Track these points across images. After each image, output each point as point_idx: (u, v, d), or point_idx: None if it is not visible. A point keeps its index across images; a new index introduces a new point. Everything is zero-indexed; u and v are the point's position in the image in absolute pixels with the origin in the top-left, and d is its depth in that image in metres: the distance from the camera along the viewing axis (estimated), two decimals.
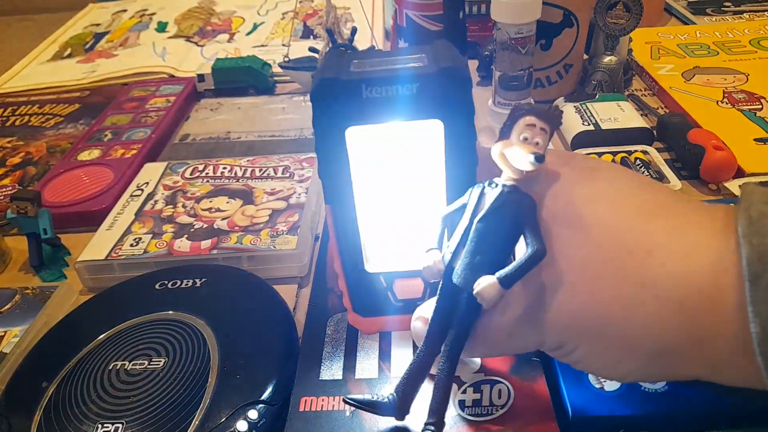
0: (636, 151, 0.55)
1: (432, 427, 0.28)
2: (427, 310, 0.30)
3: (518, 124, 0.25)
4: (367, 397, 0.31)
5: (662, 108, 0.66)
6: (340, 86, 0.29)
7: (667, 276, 0.23)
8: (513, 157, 0.25)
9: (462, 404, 0.31)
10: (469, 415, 0.31)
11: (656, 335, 0.24)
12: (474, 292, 0.25)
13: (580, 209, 0.26)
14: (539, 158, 0.24)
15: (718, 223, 0.24)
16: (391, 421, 0.31)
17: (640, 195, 0.26)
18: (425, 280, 0.35)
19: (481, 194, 0.27)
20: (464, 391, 0.32)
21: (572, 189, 0.26)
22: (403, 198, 0.34)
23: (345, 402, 0.31)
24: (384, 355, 0.35)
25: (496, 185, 0.27)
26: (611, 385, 0.32)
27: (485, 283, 0.25)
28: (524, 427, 0.30)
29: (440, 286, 0.29)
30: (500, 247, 0.26)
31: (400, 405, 0.30)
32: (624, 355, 0.25)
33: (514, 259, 0.25)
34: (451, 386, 0.29)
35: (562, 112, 0.25)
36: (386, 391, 0.33)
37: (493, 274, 0.25)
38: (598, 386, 0.32)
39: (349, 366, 0.35)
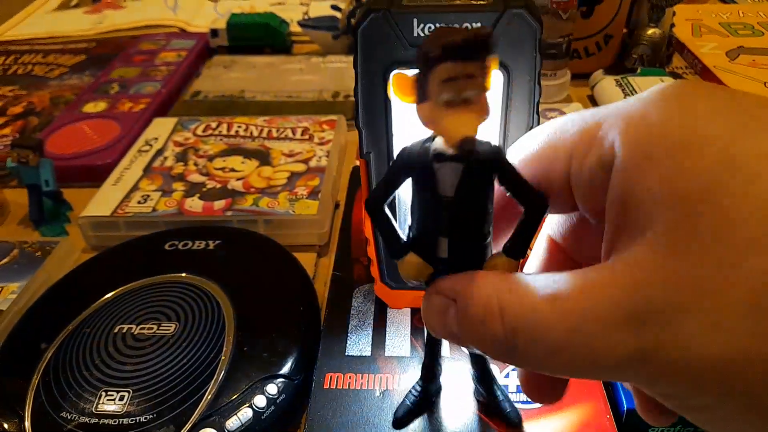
0: None
1: None
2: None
3: (432, 78, 0.16)
4: None
5: None
6: (388, 20, 0.25)
7: None
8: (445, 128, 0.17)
9: (505, 389, 0.28)
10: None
11: None
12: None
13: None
14: (466, 143, 0.17)
15: None
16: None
17: None
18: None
19: (427, 168, 0.18)
20: (507, 375, 0.29)
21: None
22: None
23: None
24: (416, 332, 0.32)
25: (446, 156, 0.18)
26: None
27: (500, 263, 0.19)
28: (574, 420, 0.27)
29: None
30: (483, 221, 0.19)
31: None
32: None
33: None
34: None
35: (490, 31, 0.16)
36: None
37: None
38: None
39: (378, 342, 0.32)
